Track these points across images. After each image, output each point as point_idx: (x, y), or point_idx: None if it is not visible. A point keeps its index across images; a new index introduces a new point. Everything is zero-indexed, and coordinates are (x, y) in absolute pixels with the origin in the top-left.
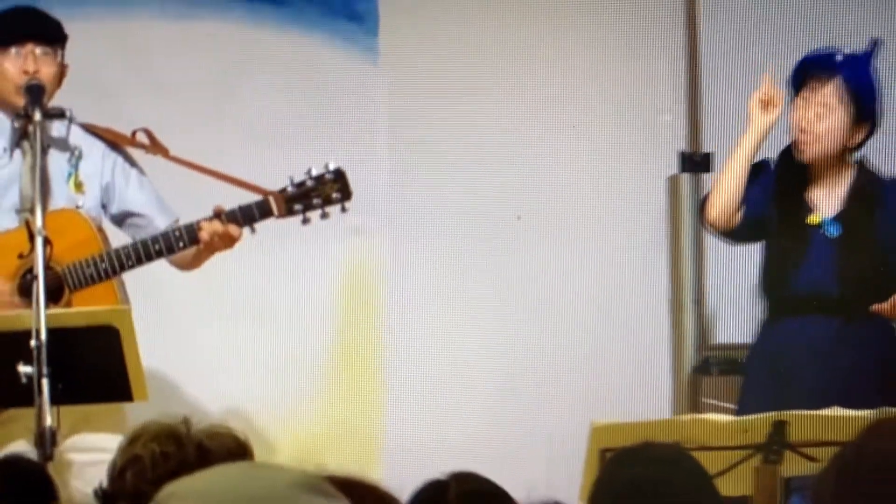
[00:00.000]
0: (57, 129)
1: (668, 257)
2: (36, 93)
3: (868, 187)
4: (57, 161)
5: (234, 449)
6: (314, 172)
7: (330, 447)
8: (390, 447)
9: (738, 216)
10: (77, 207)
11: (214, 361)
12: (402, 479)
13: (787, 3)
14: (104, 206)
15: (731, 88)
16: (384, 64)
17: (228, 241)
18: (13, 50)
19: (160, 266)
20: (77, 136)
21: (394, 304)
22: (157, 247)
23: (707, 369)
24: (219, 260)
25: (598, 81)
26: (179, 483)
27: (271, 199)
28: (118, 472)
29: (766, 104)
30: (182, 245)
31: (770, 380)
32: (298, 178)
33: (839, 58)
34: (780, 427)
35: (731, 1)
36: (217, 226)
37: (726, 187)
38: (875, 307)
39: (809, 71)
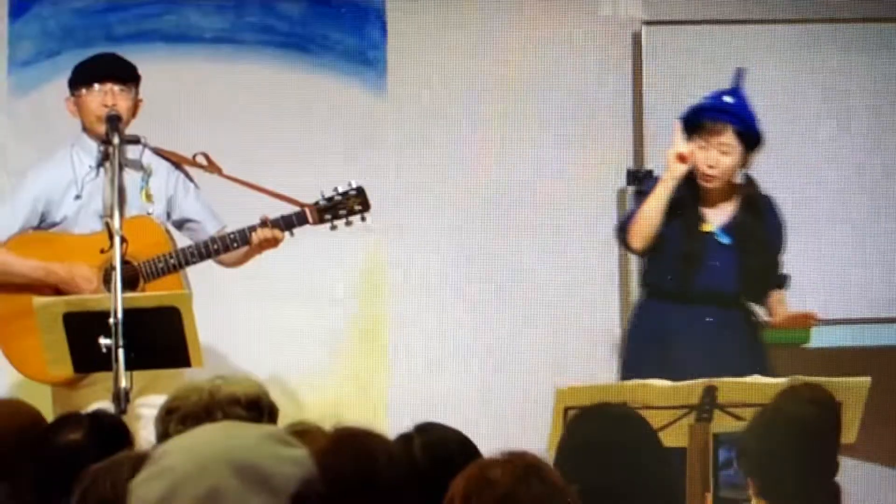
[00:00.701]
0: (133, 151)
1: (618, 251)
2: (114, 121)
3: (753, 202)
4: (132, 177)
5: (261, 403)
6: (341, 189)
7: (347, 403)
8: (395, 403)
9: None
10: (148, 214)
11: (255, 333)
12: (404, 428)
13: (714, 48)
14: (168, 214)
15: (668, 118)
16: (391, 98)
17: (273, 243)
18: (96, 87)
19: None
20: (148, 157)
21: (398, 287)
22: (215, 246)
23: None
24: (272, 252)
25: (567, 116)
26: (171, 441)
27: (307, 211)
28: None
29: (681, 158)
30: (236, 245)
31: (660, 355)
32: (328, 193)
33: (729, 100)
34: (710, 391)
35: (668, 47)
36: (266, 231)
37: (647, 223)
38: (771, 321)
39: (706, 116)
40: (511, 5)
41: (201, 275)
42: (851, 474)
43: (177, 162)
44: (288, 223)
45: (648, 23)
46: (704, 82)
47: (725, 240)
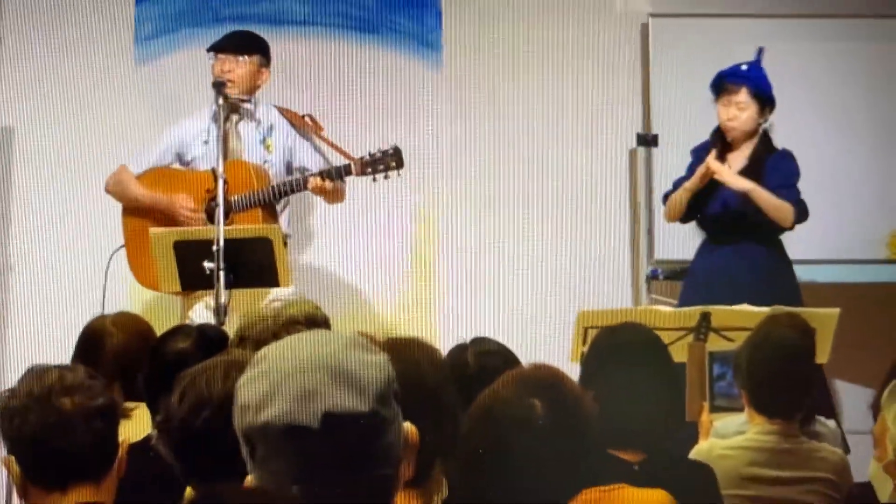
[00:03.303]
0: (260, 111)
1: (628, 202)
2: (218, 86)
3: (763, 149)
4: (252, 129)
5: (316, 318)
6: (382, 148)
7: (409, 318)
8: (443, 319)
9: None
10: (265, 161)
11: (336, 263)
12: (452, 341)
13: (712, 37)
14: (289, 162)
15: (671, 92)
16: (446, 73)
17: (323, 189)
18: (219, 57)
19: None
20: (273, 115)
21: (446, 229)
22: (285, 188)
23: (655, 276)
24: (348, 202)
25: (590, 91)
26: (269, 347)
27: (352, 164)
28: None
29: (710, 171)
30: (298, 189)
31: (705, 285)
32: (373, 150)
33: (744, 68)
34: (705, 316)
35: (672, 33)
36: (318, 180)
37: (677, 207)
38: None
39: (725, 80)
40: (540, 2)
41: (302, 212)
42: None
43: (291, 119)
44: (337, 173)
45: (654, 15)
46: (701, 62)
47: None
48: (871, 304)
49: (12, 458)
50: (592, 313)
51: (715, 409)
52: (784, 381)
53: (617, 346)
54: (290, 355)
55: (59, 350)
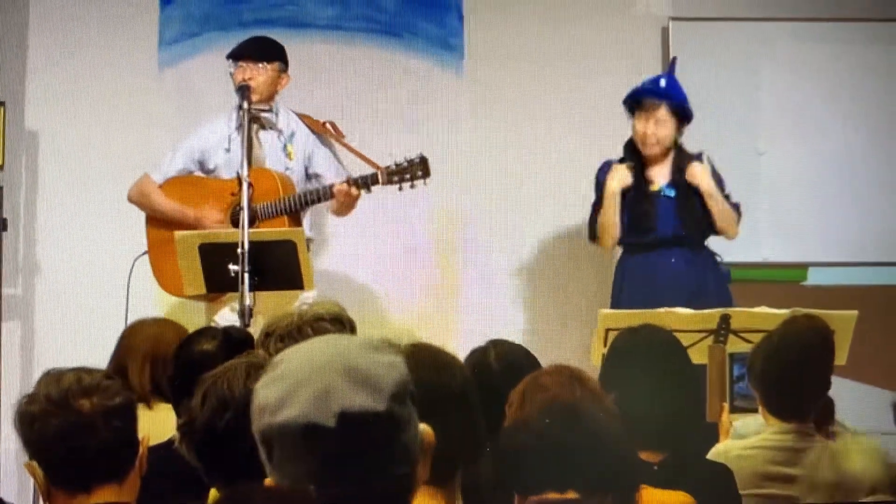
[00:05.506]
0: (281, 119)
1: None
2: (243, 91)
3: (684, 162)
4: (274, 136)
5: (342, 318)
6: (409, 157)
7: (430, 322)
8: (464, 323)
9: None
10: (286, 169)
11: (356, 268)
12: (473, 344)
13: (732, 41)
14: (307, 168)
15: (691, 95)
16: (468, 78)
17: (349, 196)
18: (239, 64)
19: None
20: (294, 122)
21: (467, 233)
22: (311, 197)
23: None
24: (370, 207)
25: (609, 95)
26: (287, 351)
27: (379, 173)
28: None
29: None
30: (325, 197)
31: (642, 293)
32: (399, 159)
33: (663, 84)
34: (725, 318)
35: (693, 37)
36: (344, 187)
37: (609, 231)
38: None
39: (644, 95)
40: (561, 4)
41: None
42: (842, 391)
43: (310, 126)
44: (363, 182)
45: (675, 19)
46: (722, 66)
47: (671, 193)
48: (890, 306)
49: (34, 463)
50: (613, 314)
51: (735, 409)
52: (795, 383)
53: (636, 348)
54: (307, 358)
55: (85, 351)
